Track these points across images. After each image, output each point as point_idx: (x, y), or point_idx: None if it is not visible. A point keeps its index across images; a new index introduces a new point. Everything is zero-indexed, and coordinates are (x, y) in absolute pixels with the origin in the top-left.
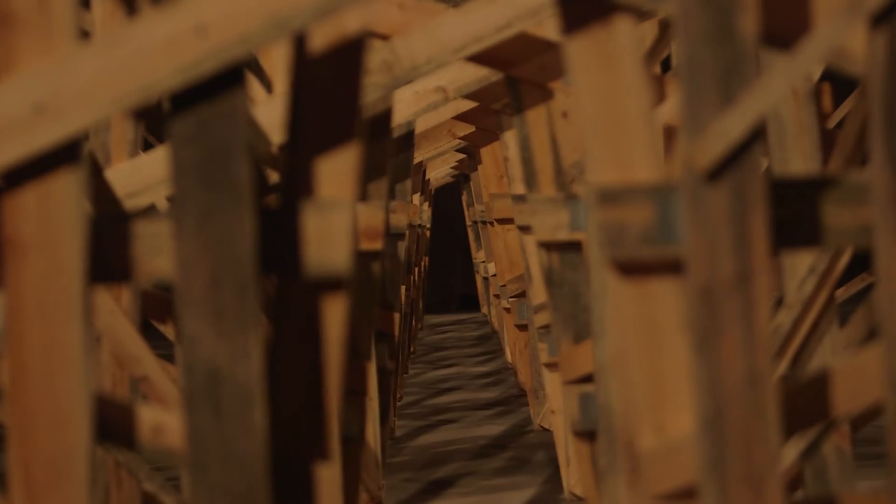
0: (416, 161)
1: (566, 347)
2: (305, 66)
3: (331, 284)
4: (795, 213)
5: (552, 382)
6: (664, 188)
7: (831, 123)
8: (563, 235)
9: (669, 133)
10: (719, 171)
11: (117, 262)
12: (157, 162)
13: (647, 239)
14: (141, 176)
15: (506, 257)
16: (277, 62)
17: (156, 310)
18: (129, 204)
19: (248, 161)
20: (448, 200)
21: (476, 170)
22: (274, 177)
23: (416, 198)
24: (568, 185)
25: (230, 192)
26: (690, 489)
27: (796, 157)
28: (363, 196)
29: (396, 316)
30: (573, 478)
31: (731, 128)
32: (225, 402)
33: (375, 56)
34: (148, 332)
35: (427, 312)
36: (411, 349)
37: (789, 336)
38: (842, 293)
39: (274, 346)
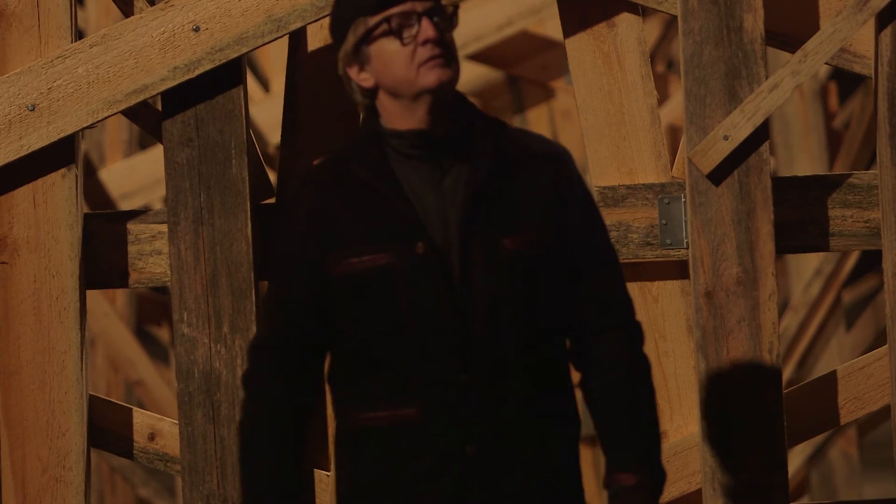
0: None
1: None
2: (303, 65)
3: None
4: (801, 214)
5: None
6: (668, 190)
7: (837, 123)
8: None
9: (673, 133)
10: (724, 173)
11: (112, 265)
12: (152, 162)
13: (650, 241)
14: (136, 176)
15: None
16: (275, 61)
17: (151, 313)
18: (124, 205)
19: (245, 162)
20: None
21: None
22: (272, 177)
23: None
24: None
25: (227, 193)
26: (694, 495)
27: (802, 157)
28: None
29: None
30: None
31: (736, 129)
32: (221, 407)
33: None
34: (143, 335)
35: None
36: None
37: (795, 339)
38: (848, 295)
39: None
